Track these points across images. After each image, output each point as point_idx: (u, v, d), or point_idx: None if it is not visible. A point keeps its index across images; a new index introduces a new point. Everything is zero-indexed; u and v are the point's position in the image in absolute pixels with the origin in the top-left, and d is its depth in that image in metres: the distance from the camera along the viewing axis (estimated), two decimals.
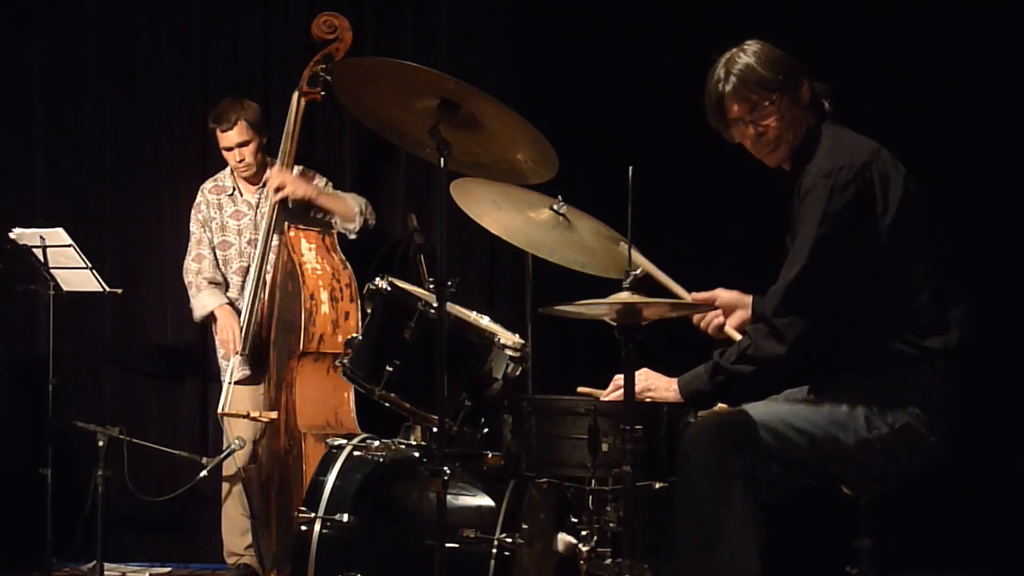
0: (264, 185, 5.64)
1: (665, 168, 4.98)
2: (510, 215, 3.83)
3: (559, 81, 5.61)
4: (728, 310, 3.75)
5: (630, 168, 3.28)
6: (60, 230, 5.47)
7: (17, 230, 5.53)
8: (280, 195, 5.44)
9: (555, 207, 3.85)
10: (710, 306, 3.72)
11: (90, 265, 5.53)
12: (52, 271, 5.58)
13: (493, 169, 3.68)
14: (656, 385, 3.47)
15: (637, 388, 3.31)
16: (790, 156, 3.49)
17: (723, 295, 3.76)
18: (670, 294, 3.73)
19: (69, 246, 5.46)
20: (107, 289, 5.64)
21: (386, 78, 3.49)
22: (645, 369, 3.49)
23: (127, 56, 6.40)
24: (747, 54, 3.43)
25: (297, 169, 5.63)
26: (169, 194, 6.31)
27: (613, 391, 3.51)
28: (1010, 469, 4.87)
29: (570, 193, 3.90)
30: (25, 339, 6.34)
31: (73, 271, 5.58)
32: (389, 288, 3.82)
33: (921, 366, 3.29)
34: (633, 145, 5.15)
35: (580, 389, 3.69)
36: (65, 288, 5.68)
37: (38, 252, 5.50)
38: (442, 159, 3.36)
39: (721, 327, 3.75)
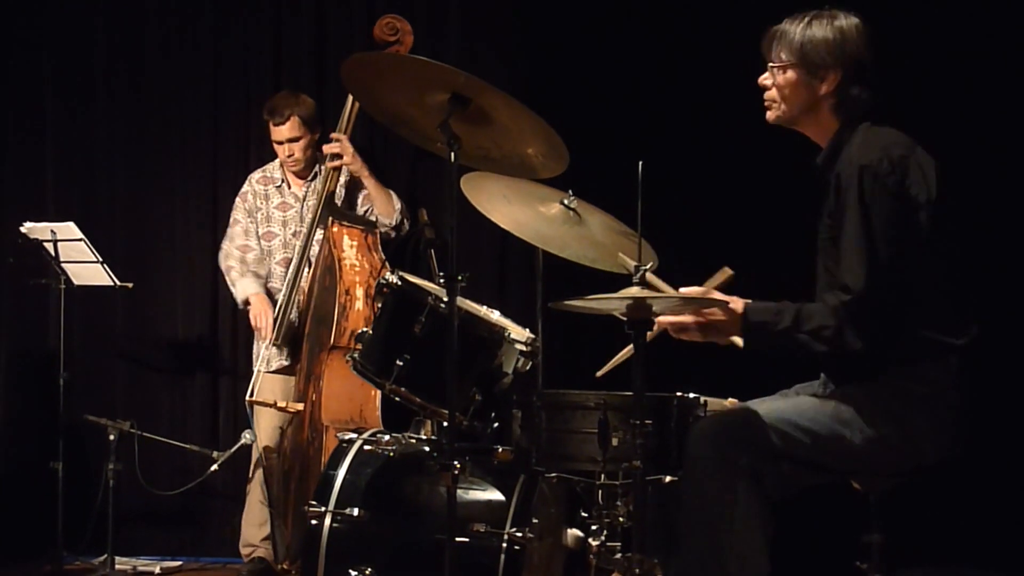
0: (314, 179, 5.68)
1: (676, 162, 4.98)
2: (520, 209, 3.83)
3: (569, 75, 5.61)
4: None
5: (640, 163, 3.28)
6: (71, 224, 5.49)
7: (28, 224, 5.55)
8: (336, 163, 5.48)
9: (565, 201, 3.85)
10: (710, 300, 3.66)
11: (101, 259, 5.55)
12: (63, 265, 5.60)
13: (503, 164, 3.67)
14: (719, 322, 3.35)
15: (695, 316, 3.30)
16: (786, 124, 3.48)
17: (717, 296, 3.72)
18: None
19: (80, 240, 5.48)
20: (118, 283, 5.65)
21: (397, 73, 3.49)
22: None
23: (137, 51, 6.40)
24: (814, 24, 3.38)
25: None
26: (180, 188, 6.33)
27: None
28: (1021, 464, 4.86)
29: (580, 187, 3.89)
30: (36, 333, 6.35)
31: (84, 265, 5.59)
32: (399, 283, 3.82)
33: (935, 362, 3.27)
34: (643, 139, 5.15)
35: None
36: (76, 282, 5.69)
37: (49, 246, 5.52)
38: (452, 154, 3.36)
39: None
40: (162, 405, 6.33)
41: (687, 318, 3.31)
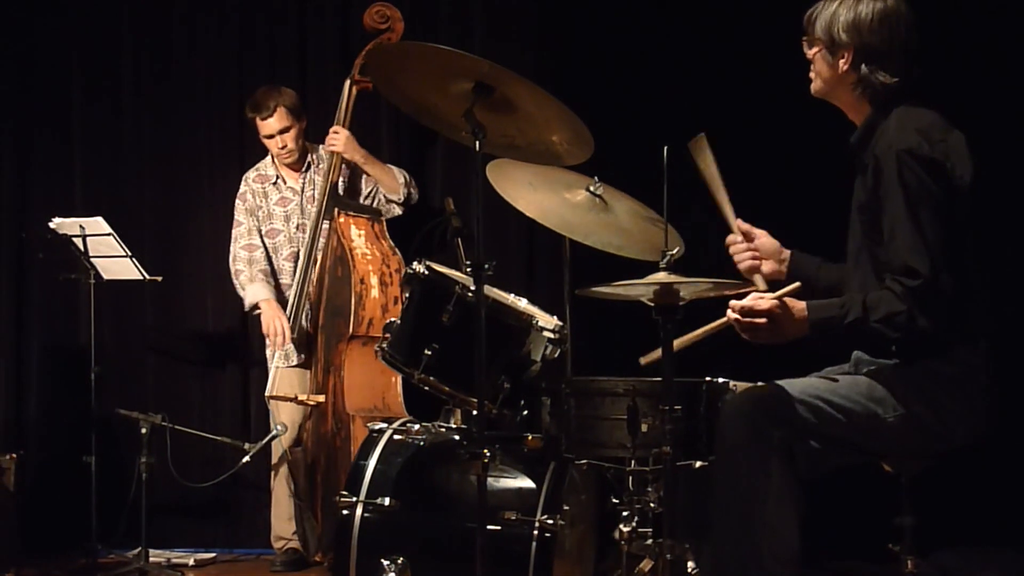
0: (308, 169, 5.68)
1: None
2: (546, 196, 3.83)
3: (594, 61, 5.60)
4: (764, 256, 3.67)
5: (665, 148, 3.27)
6: (99, 219, 5.50)
7: (57, 219, 5.56)
8: (331, 148, 5.53)
9: (592, 188, 3.84)
10: (748, 281, 3.63)
11: (130, 253, 5.56)
12: (92, 260, 5.61)
13: (528, 151, 3.67)
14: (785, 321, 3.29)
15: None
16: (823, 97, 3.49)
17: (764, 240, 3.68)
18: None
19: (109, 235, 5.49)
20: (147, 277, 5.66)
21: (421, 62, 3.49)
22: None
23: (164, 45, 6.43)
24: (844, 2, 3.38)
25: None
26: (207, 181, 6.35)
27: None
28: None
29: (606, 174, 3.89)
30: (67, 328, 6.40)
31: (113, 259, 5.61)
32: (427, 272, 3.83)
33: (966, 344, 3.26)
34: (669, 124, 5.13)
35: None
36: (105, 277, 5.71)
37: (78, 241, 5.53)
38: (477, 142, 3.36)
39: (752, 271, 3.63)
40: (193, 398, 6.35)
41: (762, 303, 3.28)
